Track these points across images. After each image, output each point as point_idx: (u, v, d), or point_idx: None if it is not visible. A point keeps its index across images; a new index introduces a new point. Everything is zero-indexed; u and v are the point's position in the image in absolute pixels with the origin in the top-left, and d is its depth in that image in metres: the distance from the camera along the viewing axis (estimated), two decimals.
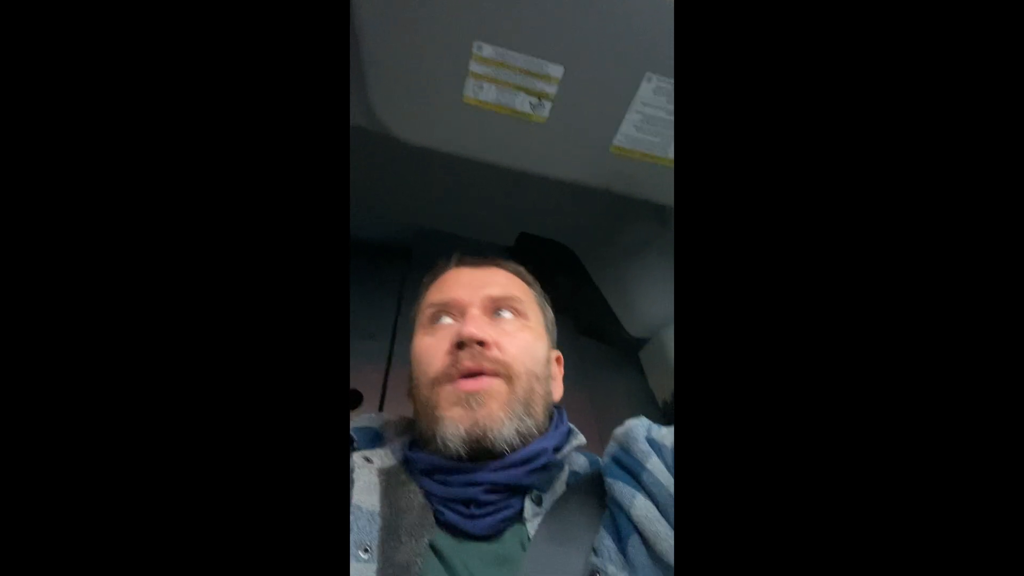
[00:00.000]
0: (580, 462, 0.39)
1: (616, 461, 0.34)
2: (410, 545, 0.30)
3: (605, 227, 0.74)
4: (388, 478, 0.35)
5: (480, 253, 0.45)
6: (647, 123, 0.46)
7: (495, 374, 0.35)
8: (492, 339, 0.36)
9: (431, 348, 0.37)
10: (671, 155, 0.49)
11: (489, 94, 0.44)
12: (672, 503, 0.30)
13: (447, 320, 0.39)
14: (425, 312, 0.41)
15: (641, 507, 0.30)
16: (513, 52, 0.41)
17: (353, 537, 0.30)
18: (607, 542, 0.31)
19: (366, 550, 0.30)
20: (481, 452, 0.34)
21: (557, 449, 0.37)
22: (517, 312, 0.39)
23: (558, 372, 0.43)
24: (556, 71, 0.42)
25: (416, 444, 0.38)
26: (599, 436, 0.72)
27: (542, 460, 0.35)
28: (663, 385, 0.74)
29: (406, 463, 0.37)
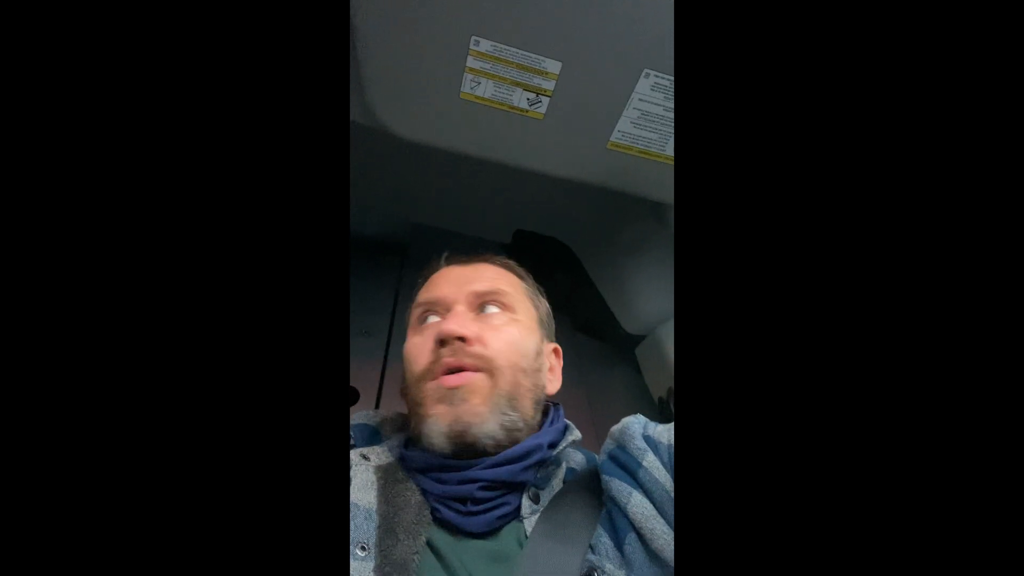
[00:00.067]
0: (577, 459, 0.40)
1: (613, 458, 0.34)
2: (407, 542, 0.30)
3: (602, 224, 0.74)
4: (385, 475, 0.35)
5: (477, 250, 0.45)
6: (645, 119, 0.46)
7: (476, 369, 0.35)
8: (474, 334, 0.36)
9: (417, 347, 0.38)
10: (669, 151, 0.49)
11: (486, 90, 0.43)
12: (669, 500, 0.30)
13: (434, 319, 0.39)
14: (414, 312, 0.41)
15: (638, 504, 0.30)
16: (511, 48, 0.41)
17: (351, 535, 0.30)
18: (604, 539, 0.31)
19: (363, 548, 0.30)
20: (465, 448, 0.34)
21: (553, 445, 0.37)
22: (504, 306, 0.39)
23: (556, 364, 0.42)
24: (554, 67, 0.42)
25: (411, 442, 0.38)
26: (595, 432, 0.72)
27: (537, 457, 0.35)
28: (659, 382, 0.74)
29: (402, 460, 0.37)
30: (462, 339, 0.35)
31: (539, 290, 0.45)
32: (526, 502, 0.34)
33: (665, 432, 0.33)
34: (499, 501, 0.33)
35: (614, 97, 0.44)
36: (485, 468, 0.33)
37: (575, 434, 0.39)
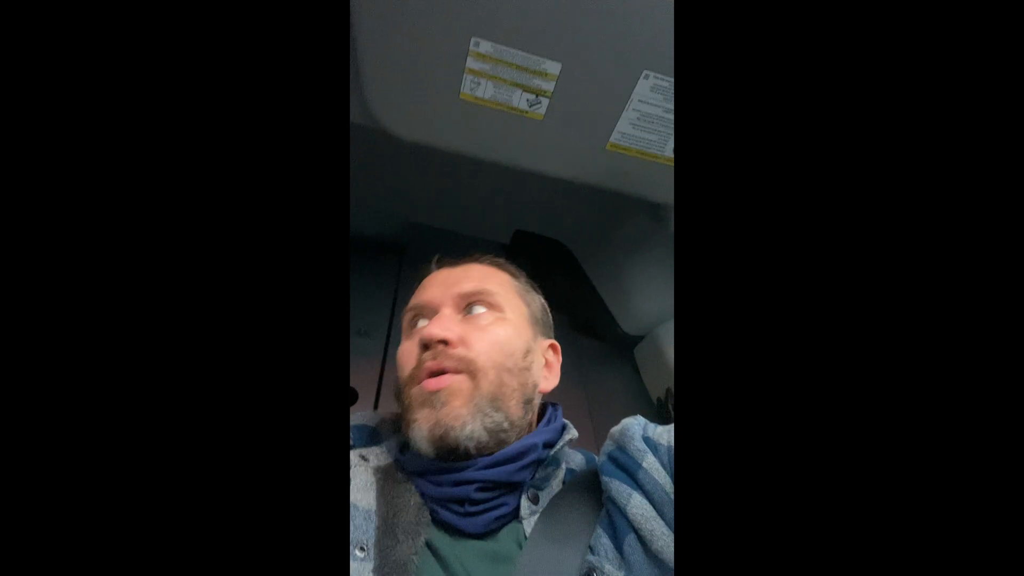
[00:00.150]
0: (577, 460, 0.40)
1: (612, 459, 0.34)
2: (406, 543, 0.30)
3: (601, 224, 0.74)
4: (384, 476, 0.35)
5: (474, 250, 0.45)
6: (644, 120, 0.46)
7: (457, 371, 0.35)
8: (456, 336, 0.35)
9: (406, 352, 0.38)
10: (668, 152, 0.49)
11: (486, 91, 0.43)
12: (668, 501, 0.30)
13: (422, 322, 0.39)
14: (405, 317, 0.41)
15: (637, 505, 0.30)
16: (511, 49, 0.41)
17: (350, 536, 0.30)
18: (604, 540, 0.31)
19: (363, 548, 0.30)
20: (448, 451, 0.34)
21: (549, 445, 0.37)
22: (490, 305, 0.39)
23: (554, 360, 0.42)
24: (553, 68, 0.42)
25: (406, 445, 0.38)
26: (593, 432, 0.72)
27: (532, 457, 0.35)
28: (657, 382, 0.74)
29: (399, 463, 0.37)
30: (445, 342, 0.35)
31: (532, 286, 0.44)
32: (525, 503, 0.34)
33: (665, 433, 0.33)
34: (497, 502, 0.33)
35: (613, 98, 0.44)
36: (480, 469, 0.33)
37: (572, 433, 0.39)
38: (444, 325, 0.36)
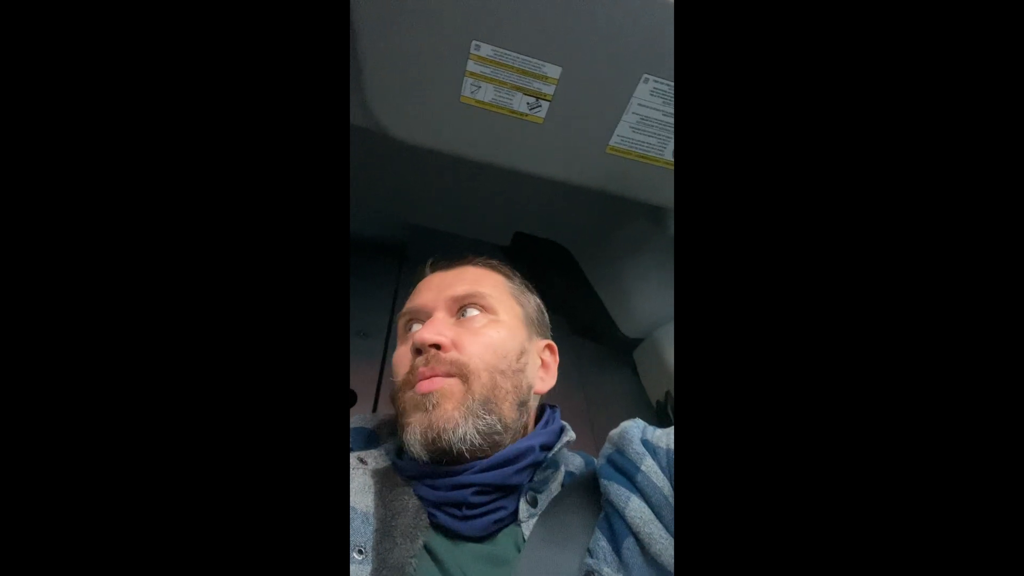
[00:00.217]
0: (576, 462, 0.40)
1: (611, 463, 0.34)
2: (405, 546, 0.30)
3: (601, 227, 0.74)
4: (382, 479, 0.35)
5: (476, 252, 0.45)
6: (644, 124, 0.46)
7: (449, 375, 0.35)
8: (448, 340, 0.36)
9: (400, 357, 0.38)
10: (667, 156, 0.49)
11: (486, 94, 0.44)
12: (667, 504, 0.30)
13: (416, 326, 0.39)
14: (400, 321, 0.41)
15: (636, 509, 0.30)
16: (511, 52, 0.41)
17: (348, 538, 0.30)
18: (602, 544, 0.31)
19: (360, 551, 0.30)
20: (441, 454, 0.34)
21: (547, 447, 0.36)
22: (483, 308, 0.39)
23: (551, 361, 0.42)
24: (554, 72, 0.42)
25: (402, 450, 0.38)
26: (592, 435, 0.72)
27: (529, 459, 0.35)
28: (657, 385, 0.74)
29: (396, 467, 0.37)
30: (437, 346, 0.35)
31: (527, 287, 0.44)
32: (523, 506, 0.34)
33: (664, 437, 0.33)
34: (495, 505, 0.33)
35: (613, 102, 0.44)
36: (477, 472, 0.33)
37: (570, 435, 0.39)
38: (436, 329, 0.36)
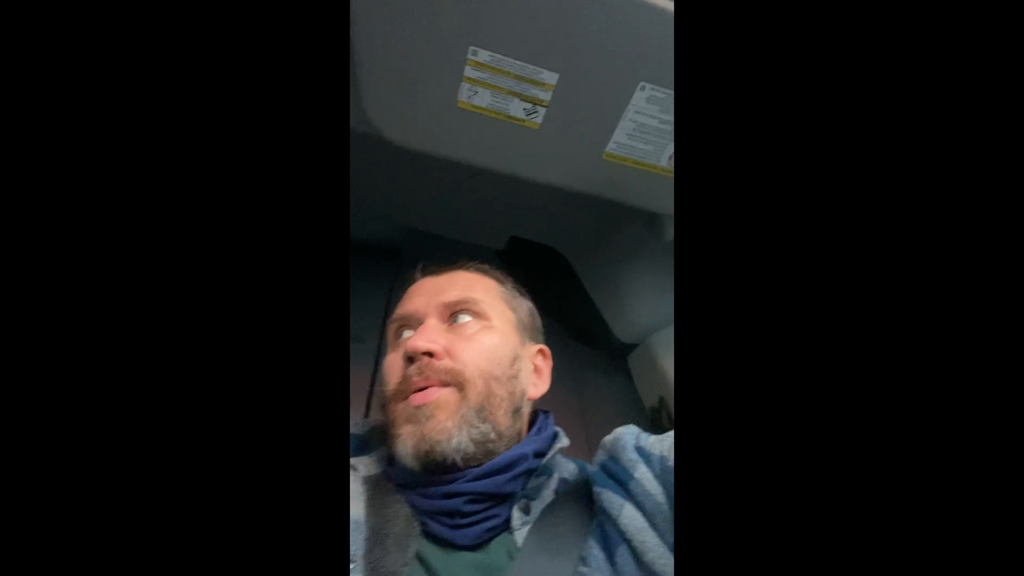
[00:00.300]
0: (570, 469, 0.39)
1: (605, 470, 0.34)
2: (396, 555, 0.30)
3: (597, 233, 0.75)
4: (374, 487, 0.34)
5: (471, 255, 0.45)
6: (640, 131, 0.47)
7: (445, 384, 0.34)
8: (442, 348, 0.35)
9: (391, 365, 0.37)
10: (663, 163, 0.49)
11: (483, 99, 0.44)
12: (660, 512, 0.30)
13: (408, 333, 0.38)
14: (390, 328, 0.40)
15: (629, 516, 0.30)
16: (508, 58, 0.41)
17: None
18: (595, 551, 0.31)
19: (352, 560, 0.30)
20: (434, 465, 0.33)
21: (540, 454, 0.36)
22: (476, 314, 0.38)
23: (543, 366, 0.42)
24: (551, 78, 0.42)
25: (393, 458, 0.37)
26: (586, 440, 0.72)
27: (523, 467, 0.34)
28: (651, 390, 0.74)
29: (387, 475, 0.36)
30: (430, 354, 0.35)
31: (519, 291, 0.44)
32: (516, 513, 0.34)
33: (657, 443, 0.33)
34: (488, 513, 0.33)
35: (610, 109, 0.45)
36: (469, 481, 0.33)
37: (563, 441, 0.39)
38: (429, 336, 0.35)
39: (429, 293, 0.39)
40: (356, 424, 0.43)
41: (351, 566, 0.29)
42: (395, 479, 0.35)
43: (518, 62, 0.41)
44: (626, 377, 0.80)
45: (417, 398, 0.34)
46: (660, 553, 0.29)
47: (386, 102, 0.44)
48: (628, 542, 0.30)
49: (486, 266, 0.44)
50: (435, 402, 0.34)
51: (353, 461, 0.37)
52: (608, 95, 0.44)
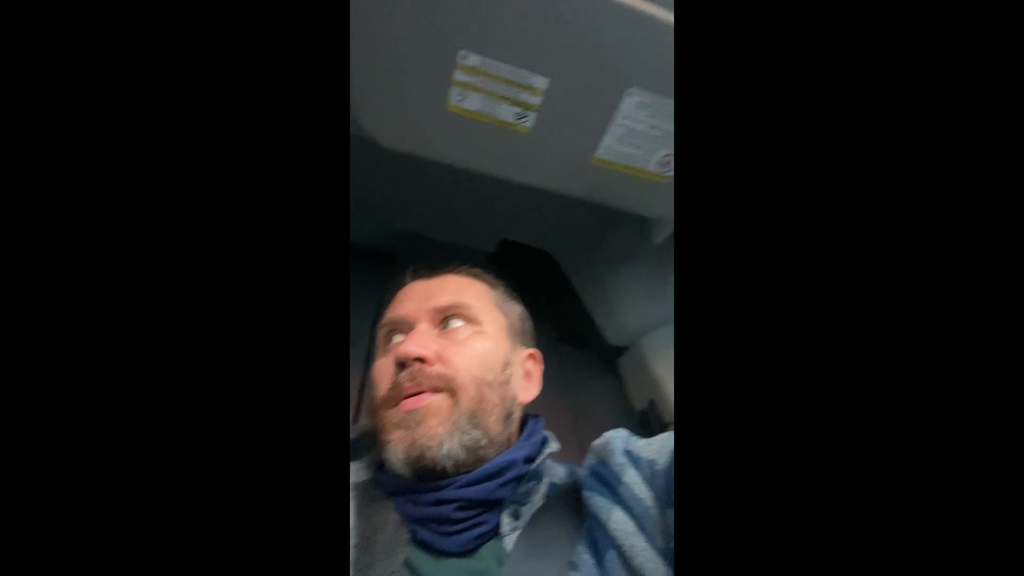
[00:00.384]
0: (559, 473, 0.39)
1: (594, 474, 0.34)
2: (385, 562, 0.30)
3: (587, 236, 0.75)
4: (362, 493, 0.34)
5: (463, 258, 0.45)
6: (629, 136, 0.47)
7: (436, 390, 0.34)
8: (433, 353, 0.35)
9: (381, 369, 0.37)
10: (651, 167, 0.50)
11: (474, 103, 0.44)
12: (649, 516, 0.30)
13: (398, 338, 0.38)
14: (380, 332, 0.40)
15: (618, 521, 0.30)
16: (498, 62, 0.41)
17: None
18: (585, 556, 0.31)
19: None
20: (425, 472, 0.33)
21: (530, 459, 0.36)
22: (468, 319, 0.38)
23: (534, 370, 0.42)
24: (541, 83, 0.43)
25: (384, 464, 0.37)
26: (576, 443, 0.72)
27: (512, 473, 0.34)
28: (641, 393, 0.75)
29: (376, 481, 0.36)
30: (421, 359, 0.34)
31: (511, 295, 0.44)
32: (506, 519, 0.33)
33: (646, 447, 0.33)
34: (477, 520, 0.33)
35: (599, 114, 0.45)
36: (459, 488, 0.32)
37: (552, 446, 0.38)
38: (420, 342, 0.35)
39: (420, 297, 0.39)
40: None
41: None
42: (384, 486, 0.35)
43: (508, 66, 0.41)
44: (616, 380, 0.81)
45: (408, 403, 0.34)
46: (648, 557, 0.29)
47: (377, 105, 0.44)
48: (617, 547, 0.30)
49: (477, 270, 0.44)
50: (426, 408, 0.33)
51: None
52: (597, 100, 0.44)
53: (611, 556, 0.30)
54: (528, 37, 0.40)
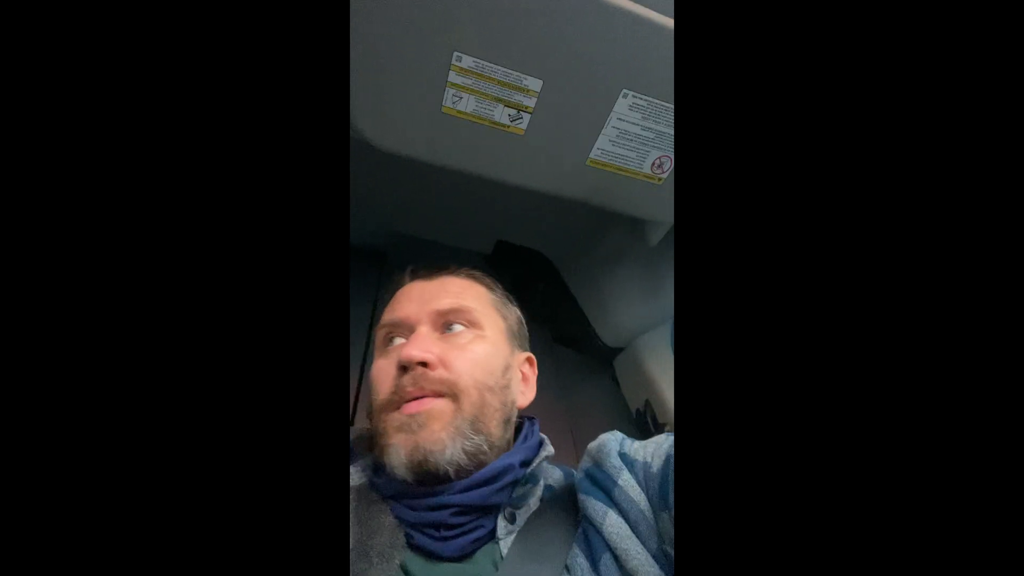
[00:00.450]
0: (555, 476, 0.39)
1: (589, 477, 0.34)
2: (381, 567, 0.30)
3: (582, 238, 0.75)
4: (358, 497, 0.34)
5: (457, 260, 0.44)
6: (623, 138, 0.47)
7: (439, 395, 0.34)
8: (436, 358, 0.34)
9: (381, 372, 0.36)
10: (645, 169, 0.50)
11: (468, 105, 0.44)
12: (644, 519, 0.30)
13: (399, 340, 0.38)
14: (379, 333, 0.39)
15: (613, 524, 0.30)
16: (492, 64, 0.41)
17: None
18: (580, 560, 0.31)
19: None
20: (427, 476, 0.33)
21: (526, 463, 0.36)
22: (469, 323, 0.38)
23: (530, 374, 0.41)
24: (535, 84, 0.43)
25: (380, 467, 0.37)
26: (573, 444, 0.72)
27: (509, 478, 0.34)
28: (637, 393, 0.75)
29: (372, 485, 0.36)
30: (424, 364, 0.34)
31: (508, 298, 0.44)
32: (502, 523, 0.33)
33: (641, 449, 0.33)
34: (473, 524, 0.33)
35: (593, 115, 0.45)
36: (456, 493, 0.32)
37: (548, 450, 0.38)
38: (423, 346, 0.35)
39: (420, 299, 0.39)
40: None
41: None
42: (381, 489, 0.35)
43: (502, 68, 0.41)
44: (612, 381, 0.81)
45: (410, 407, 0.33)
46: (642, 561, 0.29)
47: (371, 107, 0.44)
48: (612, 550, 0.30)
49: (477, 272, 0.43)
50: (428, 412, 0.33)
51: None
52: (591, 102, 0.44)
53: (606, 559, 0.30)
54: (522, 39, 0.40)
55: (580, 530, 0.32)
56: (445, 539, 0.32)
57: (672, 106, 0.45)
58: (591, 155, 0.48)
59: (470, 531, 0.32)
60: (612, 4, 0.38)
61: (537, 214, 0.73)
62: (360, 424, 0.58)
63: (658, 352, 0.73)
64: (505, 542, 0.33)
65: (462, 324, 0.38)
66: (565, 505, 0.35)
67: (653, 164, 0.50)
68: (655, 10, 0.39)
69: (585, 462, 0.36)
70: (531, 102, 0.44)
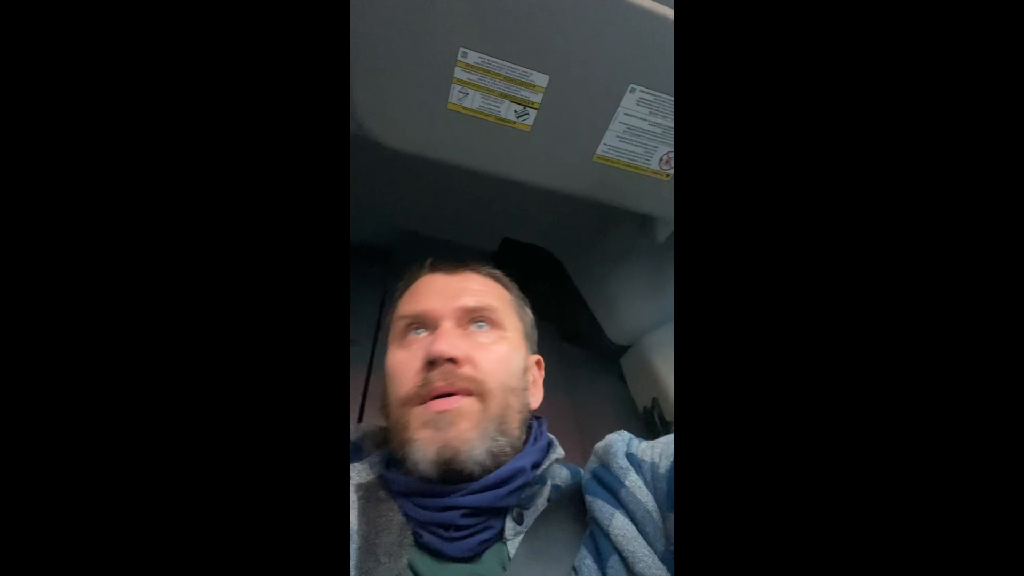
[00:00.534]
0: (563, 475, 0.39)
1: (596, 477, 0.34)
2: (388, 565, 0.30)
3: (589, 234, 0.75)
4: (366, 495, 0.34)
5: (462, 257, 0.44)
6: (630, 133, 0.47)
7: (467, 392, 0.34)
8: (465, 355, 0.34)
9: (403, 364, 0.36)
10: (653, 165, 0.49)
11: (474, 101, 0.43)
12: (651, 521, 0.30)
13: (420, 333, 0.37)
14: (398, 323, 0.39)
15: (620, 526, 0.30)
16: (498, 60, 0.41)
17: None
18: (588, 562, 0.30)
19: None
20: (452, 474, 0.33)
21: (536, 465, 0.36)
22: (493, 323, 0.38)
23: (539, 376, 0.42)
24: (541, 80, 0.42)
25: (393, 463, 0.37)
26: (580, 442, 0.72)
27: (520, 481, 0.34)
28: (644, 391, 0.74)
29: (383, 480, 0.36)
30: (453, 360, 0.34)
31: (524, 300, 0.44)
32: (509, 524, 0.33)
33: (648, 450, 0.33)
34: (482, 525, 0.33)
35: (600, 111, 0.45)
36: (468, 495, 0.32)
37: (558, 452, 0.38)
38: (451, 342, 0.34)
39: (445, 294, 0.38)
40: (350, 430, 0.42)
41: None
42: (393, 486, 0.34)
43: (508, 64, 0.41)
44: (619, 379, 0.80)
45: (438, 404, 0.33)
46: (650, 563, 0.28)
47: (376, 104, 0.44)
48: (619, 552, 0.30)
49: (497, 272, 0.43)
50: (457, 410, 0.33)
51: None
52: (598, 97, 0.44)
53: (613, 561, 0.30)
54: (528, 34, 0.39)
55: (588, 532, 0.32)
56: (454, 539, 0.32)
57: None
58: (598, 151, 0.48)
59: (479, 532, 0.32)
60: None
61: (543, 211, 0.72)
62: (368, 421, 0.58)
63: (665, 350, 0.72)
64: (513, 543, 0.33)
65: (486, 323, 0.37)
66: (572, 506, 0.35)
67: (661, 160, 0.49)
68: (662, 4, 0.39)
69: (592, 463, 0.35)
70: (537, 98, 0.43)
